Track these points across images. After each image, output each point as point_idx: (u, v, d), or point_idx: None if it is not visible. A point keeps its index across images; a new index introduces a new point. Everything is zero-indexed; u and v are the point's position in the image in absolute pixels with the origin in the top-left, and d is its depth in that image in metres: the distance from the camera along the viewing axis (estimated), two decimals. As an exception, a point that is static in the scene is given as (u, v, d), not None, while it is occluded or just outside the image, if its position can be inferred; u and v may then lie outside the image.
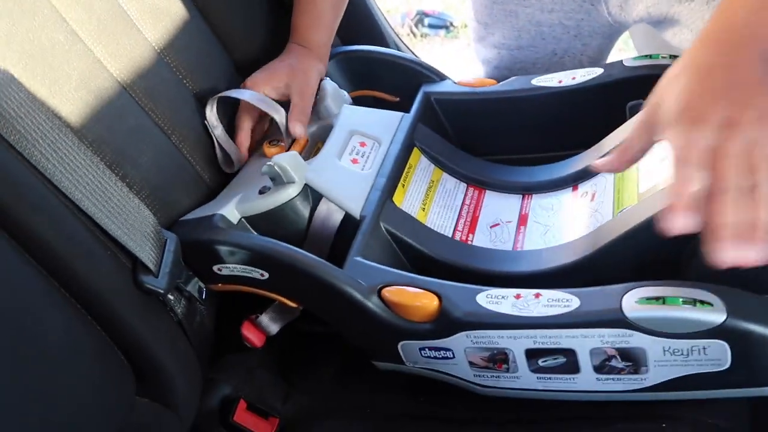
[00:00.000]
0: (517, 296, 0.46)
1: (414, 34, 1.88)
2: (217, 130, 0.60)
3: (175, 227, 0.53)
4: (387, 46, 0.80)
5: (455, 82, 0.69)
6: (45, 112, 0.43)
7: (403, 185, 0.59)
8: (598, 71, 0.65)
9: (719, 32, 0.40)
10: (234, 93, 0.60)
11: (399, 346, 0.50)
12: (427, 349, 0.49)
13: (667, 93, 0.40)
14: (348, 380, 0.57)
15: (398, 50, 0.85)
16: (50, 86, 0.47)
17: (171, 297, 0.47)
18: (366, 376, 0.54)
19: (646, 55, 0.64)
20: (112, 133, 0.51)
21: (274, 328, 0.55)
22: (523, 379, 0.47)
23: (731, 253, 0.35)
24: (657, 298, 0.42)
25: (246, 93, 0.60)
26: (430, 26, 1.89)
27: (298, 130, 0.60)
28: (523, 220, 0.59)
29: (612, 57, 0.77)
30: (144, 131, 0.54)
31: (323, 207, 0.55)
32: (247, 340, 0.54)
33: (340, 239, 0.54)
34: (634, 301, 0.42)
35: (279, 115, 0.61)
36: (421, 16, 1.89)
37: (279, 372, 0.59)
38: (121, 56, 0.54)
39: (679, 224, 0.37)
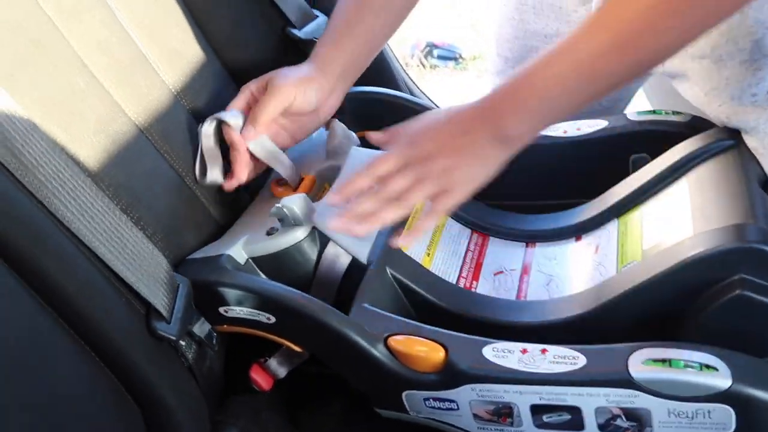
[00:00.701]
0: (524, 351, 0.47)
1: (423, 65, 1.91)
2: (210, 141, 0.58)
3: (182, 266, 0.54)
4: (397, 86, 0.81)
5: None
6: (64, 159, 0.44)
7: (408, 230, 0.60)
8: (602, 123, 0.66)
9: (477, 108, 0.51)
10: (247, 138, 0.60)
11: (403, 396, 0.50)
12: (431, 400, 0.49)
13: (424, 123, 0.54)
14: (354, 423, 0.58)
15: (408, 90, 0.86)
16: (70, 131, 0.48)
17: (182, 342, 0.47)
18: (372, 419, 0.54)
19: (650, 111, 0.66)
20: (128, 176, 0.51)
21: (282, 371, 0.55)
22: (527, 433, 0.48)
23: (360, 231, 0.51)
24: (663, 360, 0.43)
25: (252, 142, 0.59)
26: (440, 57, 1.91)
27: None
28: (526, 269, 0.60)
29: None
30: (159, 173, 0.55)
31: (330, 250, 0.56)
32: (255, 384, 0.54)
33: (346, 283, 0.55)
34: (640, 362, 0.43)
35: (284, 167, 0.61)
36: (431, 47, 1.91)
37: (285, 414, 0.59)
38: (139, 99, 0.55)
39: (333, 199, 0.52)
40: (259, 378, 0.54)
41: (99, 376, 0.42)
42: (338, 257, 0.56)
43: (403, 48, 1.92)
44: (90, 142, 0.50)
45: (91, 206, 0.44)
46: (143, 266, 0.46)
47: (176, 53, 0.60)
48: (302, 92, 0.59)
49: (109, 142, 0.51)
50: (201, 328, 0.50)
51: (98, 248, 0.43)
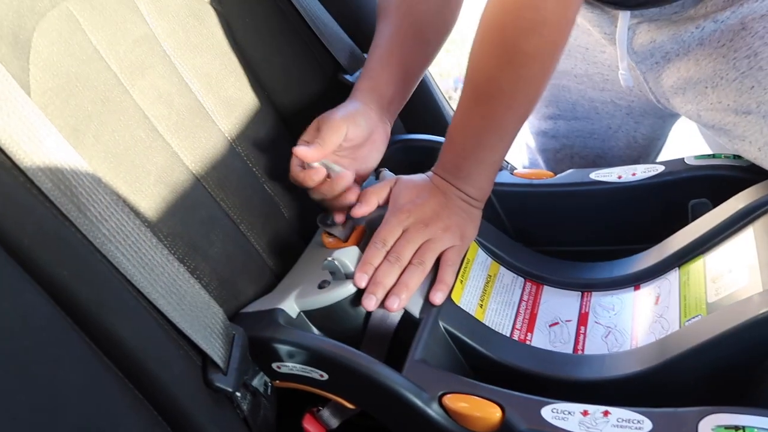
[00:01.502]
0: (585, 413, 0.45)
1: (466, 99, 1.92)
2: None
3: (236, 320, 0.54)
4: (446, 125, 0.81)
5: (512, 173, 0.70)
6: (127, 212, 0.45)
7: (461, 281, 0.59)
8: (659, 168, 0.64)
9: (449, 170, 0.59)
10: None
11: None
12: (488, 459, 0.48)
13: (407, 191, 0.59)
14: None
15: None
16: (131, 183, 0.49)
17: (238, 394, 0.47)
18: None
19: (709, 155, 0.64)
20: (185, 225, 0.52)
21: (334, 422, 0.54)
22: (588, 498, 0.46)
23: (373, 302, 0.53)
24: (736, 428, 0.40)
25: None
26: (483, 91, 1.92)
27: (437, 299, 0.56)
28: (583, 319, 0.59)
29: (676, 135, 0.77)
30: (215, 222, 0.55)
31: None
32: None
33: (398, 337, 0.54)
34: (710, 428, 0.41)
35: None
36: (474, 80, 1.92)
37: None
38: (196, 149, 0.56)
39: (362, 283, 0.53)
40: (312, 428, 0.54)
41: (156, 429, 0.43)
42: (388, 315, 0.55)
43: (446, 81, 1.93)
44: (150, 192, 0.51)
45: (151, 259, 0.45)
46: (200, 317, 0.46)
47: (232, 101, 0.61)
48: (352, 122, 0.60)
49: (167, 192, 0.52)
50: (257, 380, 0.50)
51: (157, 300, 0.44)
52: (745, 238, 0.53)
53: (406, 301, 0.53)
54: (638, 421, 0.43)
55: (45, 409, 0.36)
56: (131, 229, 0.45)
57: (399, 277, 0.54)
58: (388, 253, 0.55)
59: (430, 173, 0.62)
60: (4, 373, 0.34)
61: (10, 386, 0.34)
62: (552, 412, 0.45)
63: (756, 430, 0.40)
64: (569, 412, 0.45)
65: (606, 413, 0.44)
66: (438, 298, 0.55)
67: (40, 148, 0.41)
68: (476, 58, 0.55)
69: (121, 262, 0.43)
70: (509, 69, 0.54)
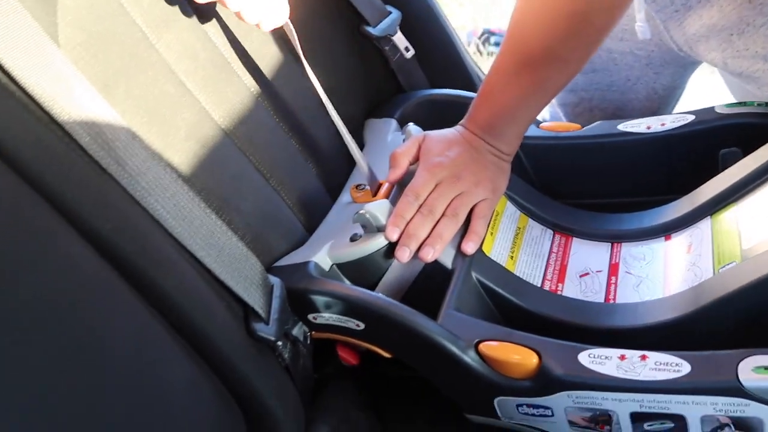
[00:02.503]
0: (622, 357, 0.45)
1: (480, 53, 1.90)
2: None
3: (271, 273, 0.54)
4: (471, 81, 0.80)
5: (538, 126, 0.69)
6: (163, 166, 0.45)
7: (491, 233, 0.59)
8: (689, 118, 0.64)
9: (481, 127, 0.59)
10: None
11: (495, 402, 0.49)
12: (524, 406, 0.48)
13: (437, 146, 0.59)
14: (442, 425, 0.58)
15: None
16: (164, 138, 0.49)
17: (279, 343, 0.48)
18: (462, 420, 0.54)
19: (740, 102, 0.63)
20: (216, 180, 0.52)
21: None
22: (626, 440, 0.47)
23: (407, 254, 0.53)
24: (777, 368, 0.41)
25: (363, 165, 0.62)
26: (497, 44, 1.91)
27: (470, 249, 0.56)
28: (613, 269, 0.59)
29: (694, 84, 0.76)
30: (246, 177, 0.55)
31: None
32: (343, 360, 0.55)
33: (430, 288, 0.54)
34: (750, 369, 0.41)
35: (363, 164, 0.62)
36: (488, 34, 1.91)
37: (373, 415, 0.59)
38: (223, 104, 0.56)
39: (394, 236, 0.53)
40: (346, 354, 0.55)
41: (205, 378, 0.43)
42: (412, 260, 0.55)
43: (460, 35, 1.91)
44: (182, 147, 0.51)
45: (189, 212, 0.45)
46: (239, 269, 0.47)
47: (256, 56, 0.60)
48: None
49: (198, 147, 0.52)
50: (297, 329, 0.51)
51: (198, 252, 0.44)
52: (780, 185, 0.52)
53: (440, 251, 0.54)
54: (676, 364, 0.43)
55: (95, 355, 0.36)
56: (168, 182, 0.45)
57: (432, 229, 0.55)
58: (420, 206, 0.55)
59: (459, 128, 0.61)
60: (56, 320, 0.35)
61: (62, 333, 0.35)
62: (589, 357, 0.46)
63: (796, 369, 0.40)
64: (606, 357, 0.45)
65: (644, 357, 0.45)
66: (470, 248, 0.55)
67: (75, 103, 0.41)
68: (532, 27, 0.54)
69: (161, 215, 0.43)
70: (573, 39, 0.53)
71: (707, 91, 0.83)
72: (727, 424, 0.43)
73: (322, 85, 0.61)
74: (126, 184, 0.42)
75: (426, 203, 0.55)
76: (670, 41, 0.66)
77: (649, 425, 0.45)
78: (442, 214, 0.55)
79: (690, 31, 0.62)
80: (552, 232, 0.63)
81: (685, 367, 0.43)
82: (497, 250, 0.58)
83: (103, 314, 0.38)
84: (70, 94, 0.41)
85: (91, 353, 0.37)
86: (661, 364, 0.44)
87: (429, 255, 0.53)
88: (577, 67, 0.56)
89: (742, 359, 0.42)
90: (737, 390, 0.41)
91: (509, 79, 0.56)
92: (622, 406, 0.45)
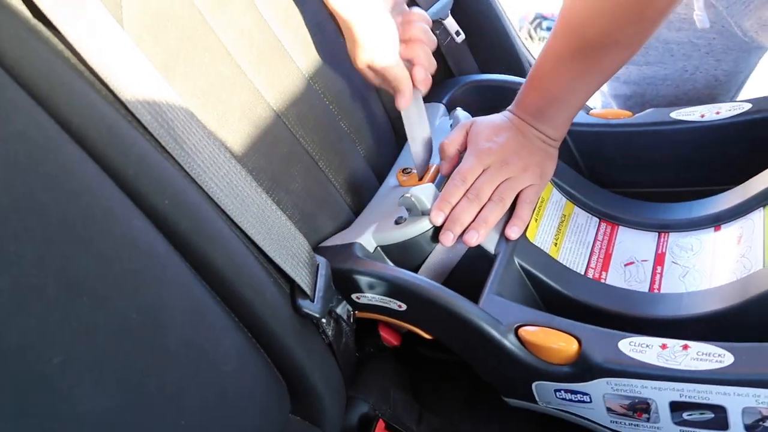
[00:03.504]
0: (663, 346, 0.45)
1: (532, 38, 1.88)
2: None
3: (316, 252, 0.56)
4: (522, 66, 0.80)
5: (587, 113, 0.69)
6: (218, 145, 0.47)
7: (536, 219, 0.59)
8: (746, 106, 0.62)
9: (530, 113, 0.59)
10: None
11: (533, 386, 0.50)
12: (563, 392, 0.49)
13: (485, 131, 0.59)
14: (479, 405, 0.59)
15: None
16: (219, 119, 0.51)
17: (324, 320, 0.50)
18: (497, 402, 0.55)
19: (801, 92, 0.61)
20: (268, 160, 0.54)
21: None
22: (665, 430, 0.47)
23: (451, 238, 0.54)
24: (823, 362, 0.40)
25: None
26: (548, 29, 1.88)
27: (514, 234, 0.56)
28: (659, 259, 0.58)
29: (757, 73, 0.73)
30: (295, 157, 0.57)
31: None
32: (385, 341, 0.56)
33: (473, 273, 0.55)
34: (796, 363, 0.41)
35: (418, 158, 0.63)
36: (540, 19, 1.89)
37: (412, 394, 0.61)
38: (276, 85, 0.57)
39: (438, 220, 0.54)
40: (388, 335, 0.56)
41: (253, 352, 0.45)
42: (456, 244, 0.56)
43: (511, 20, 1.89)
44: (235, 128, 0.52)
45: (241, 190, 0.47)
46: (287, 246, 0.48)
47: (308, 38, 0.61)
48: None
49: (251, 128, 0.54)
50: (341, 307, 0.52)
51: (249, 229, 0.46)
52: (838, 177, 0.51)
53: (485, 236, 0.54)
54: (719, 355, 0.43)
55: (153, 326, 0.39)
56: (222, 161, 0.46)
57: (477, 214, 0.55)
58: (467, 191, 0.56)
59: (507, 113, 0.61)
60: (117, 292, 0.37)
61: (122, 304, 0.37)
62: (630, 345, 0.46)
63: None
64: (647, 345, 0.45)
65: (685, 347, 0.45)
66: (514, 232, 0.55)
67: (138, 83, 0.43)
68: (589, 10, 0.53)
69: (215, 192, 0.45)
70: (633, 25, 0.52)
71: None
72: (769, 418, 0.42)
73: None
74: (183, 162, 0.44)
75: (472, 188, 0.56)
76: (734, 27, 0.64)
77: (688, 415, 0.45)
78: (488, 199, 0.56)
79: (756, 15, 0.60)
80: (598, 220, 0.63)
81: (728, 358, 0.43)
82: (541, 237, 0.58)
83: (161, 287, 0.40)
84: (133, 75, 0.43)
85: (150, 323, 0.39)
86: (703, 354, 0.44)
87: (473, 239, 0.54)
88: (633, 51, 0.55)
89: (788, 353, 0.41)
90: (781, 384, 0.40)
91: (561, 63, 0.56)
92: (662, 394, 0.45)
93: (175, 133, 0.44)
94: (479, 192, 0.55)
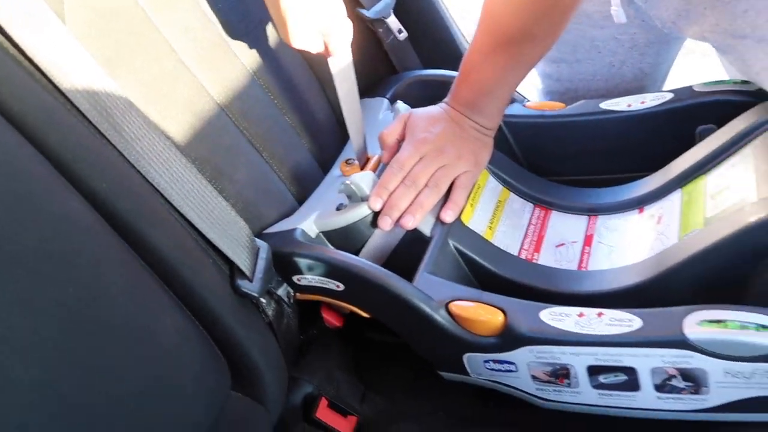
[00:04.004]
0: (580, 315, 0.48)
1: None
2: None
3: (259, 238, 0.58)
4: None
5: (524, 105, 0.72)
6: (158, 134, 0.49)
7: (472, 204, 0.62)
8: (667, 96, 0.66)
9: (463, 104, 0.63)
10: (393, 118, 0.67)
11: (464, 358, 0.53)
12: (491, 362, 0.52)
13: (422, 122, 0.62)
14: (421, 385, 0.61)
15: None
16: (161, 111, 0.53)
17: (263, 300, 0.52)
18: (437, 382, 0.58)
19: (717, 81, 0.65)
20: (211, 151, 0.56)
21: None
22: (585, 394, 0.50)
23: (389, 223, 0.57)
24: (719, 321, 0.43)
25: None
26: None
27: (448, 218, 0.59)
28: (588, 240, 0.61)
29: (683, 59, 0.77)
30: (239, 149, 0.59)
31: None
32: (327, 323, 0.59)
33: (410, 255, 0.58)
34: (695, 323, 0.44)
35: (357, 145, 0.65)
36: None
37: (356, 375, 0.63)
38: (220, 81, 0.59)
39: (377, 205, 0.57)
40: (330, 317, 0.59)
41: (192, 329, 0.47)
42: (394, 229, 0.59)
43: (466, 22, 1.92)
44: (178, 120, 0.55)
45: (181, 176, 0.49)
46: (227, 230, 0.51)
47: (253, 37, 0.64)
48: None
49: (195, 120, 0.56)
50: (281, 289, 0.54)
51: (188, 213, 0.48)
52: (744, 157, 0.55)
53: (420, 220, 0.57)
54: (629, 320, 0.46)
55: (89, 300, 0.40)
56: (162, 149, 0.49)
57: (414, 200, 0.58)
58: (404, 178, 0.58)
59: (443, 104, 0.64)
60: (56, 270, 0.39)
61: (60, 280, 0.39)
62: (550, 315, 0.49)
63: (737, 322, 0.43)
64: (566, 314, 0.49)
65: (600, 314, 0.48)
66: (449, 216, 0.58)
67: (77, 73, 0.45)
68: (504, 6, 0.57)
69: (154, 177, 0.47)
70: (546, 19, 0.56)
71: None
72: (674, 376, 0.45)
73: (316, 66, 0.65)
74: (122, 148, 0.46)
75: (409, 175, 0.59)
76: (653, 18, 0.68)
77: (604, 378, 0.48)
78: (425, 186, 0.59)
79: (671, 6, 0.64)
80: (532, 206, 0.66)
81: (637, 323, 0.46)
82: (476, 221, 0.61)
83: (98, 264, 0.42)
84: (73, 66, 0.45)
85: (87, 297, 0.41)
86: (615, 320, 0.47)
87: (409, 223, 0.57)
88: (550, 42, 0.59)
89: (688, 314, 0.45)
90: (682, 343, 0.44)
91: (486, 57, 0.59)
92: (579, 359, 0.48)
93: (113, 121, 0.46)
94: (416, 178, 0.58)
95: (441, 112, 0.63)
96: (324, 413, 0.58)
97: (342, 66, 0.62)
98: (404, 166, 0.59)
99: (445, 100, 0.64)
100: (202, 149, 0.56)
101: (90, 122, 0.45)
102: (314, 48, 0.59)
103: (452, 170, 0.60)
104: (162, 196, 0.47)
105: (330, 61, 0.61)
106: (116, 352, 0.41)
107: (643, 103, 0.67)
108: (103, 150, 0.45)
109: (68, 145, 0.43)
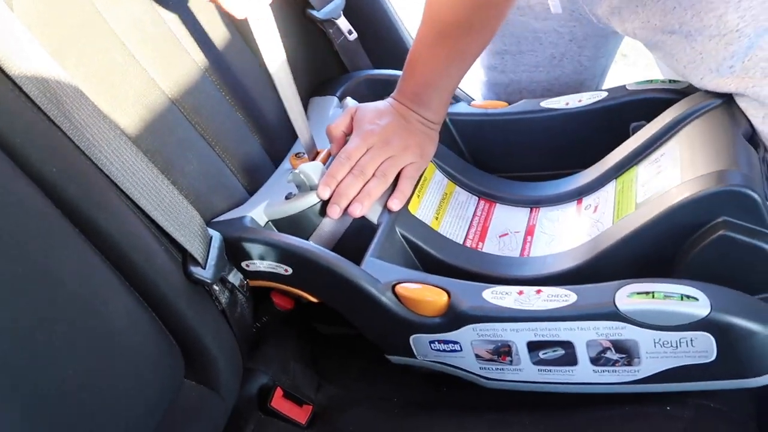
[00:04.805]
0: (520, 293, 0.51)
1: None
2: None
3: (210, 226, 0.59)
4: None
5: (469, 104, 0.75)
6: (108, 122, 0.50)
7: (418, 195, 0.64)
8: (602, 94, 0.70)
9: (408, 97, 0.65)
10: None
11: (411, 340, 0.54)
12: (436, 342, 0.53)
13: (369, 115, 0.65)
14: (374, 373, 0.62)
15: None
16: (111, 102, 0.54)
17: (216, 287, 0.53)
18: (391, 370, 0.59)
19: (648, 80, 0.69)
20: (163, 144, 0.57)
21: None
22: (526, 371, 0.52)
23: (337, 211, 0.59)
24: (647, 293, 0.46)
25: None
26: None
27: (395, 206, 0.61)
28: (530, 230, 0.64)
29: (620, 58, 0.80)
30: (191, 142, 0.60)
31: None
32: (278, 306, 0.60)
33: (358, 242, 0.59)
34: (626, 295, 0.47)
35: (305, 139, 0.68)
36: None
37: (311, 365, 0.64)
38: (171, 75, 0.60)
39: (325, 194, 0.59)
40: (280, 300, 0.60)
41: (144, 315, 0.48)
42: (342, 216, 0.60)
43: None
44: (128, 112, 0.55)
45: (132, 164, 0.50)
46: (179, 218, 0.51)
47: (204, 33, 0.65)
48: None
49: (145, 113, 0.57)
50: (233, 276, 0.55)
51: (139, 200, 0.49)
52: (671, 146, 0.59)
53: (368, 208, 0.59)
54: (565, 295, 0.49)
55: (38, 279, 0.41)
56: (113, 137, 0.49)
57: (361, 189, 0.60)
58: (352, 168, 0.60)
59: (390, 99, 0.67)
60: (5, 248, 0.39)
61: (9, 258, 0.39)
62: (492, 293, 0.51)
63: (662, 293, 0.46)
64: (506, 293, 0.51)
65: (538, 291, 0.50)
66: (395, 204, 0.60)
67: (26, 60, 0.45)
68: (445, 1, 0.59)
69: (105, 164, 0.48)
70: (483, 11, 0.59)
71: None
72: (608, 348, 0.48)
73: (269, 64, 0.66)
74: (72, 134, 0.46)
75: (357, 165, 0.61)
76: (589, 14, 0.71)
77: (543, 353, 0.50)
78: (372, 176, 0.61)
79: (607, 2, 0.67)
80: (477, 198, 0.69)
81: (572, 297, 0.49)
82: (423, 211, 0.63)
83: (48, 249, 0.43)
84: (21, 53, 0.46)
85: (37, 283, 0.41)
86: (552, 296, 0.49)
87: (357, 211, 0.58)
88: (488, 35, 0.62)
89: (620, 288, 0.48)
90: (614, 314, 0.46)
91: (429, 50, 0.62)
92: (519, 336, 0.50)
93: (63, 107, 0.46)
94: (363, 168, 0.60)
95: (387, 106, 0.66)
96: (279, 402, 0.59)
97: (277, 62, 0.64)
98: (351, 157, 0.61)
99: (392, 94, 0.67)
100: (154, 141, 0.56)
101: (39, 108, 0.45)
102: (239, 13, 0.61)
103: (399, 161, 0.62)
104: (113, 182, 0.48)
105: (264, 55, 0.63)
106: (66, 328, 0.42)
107: (580, 101, 0.70)
108: (53, 135, 0.45)
109: (16, 130, 0.43)
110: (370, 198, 0.59)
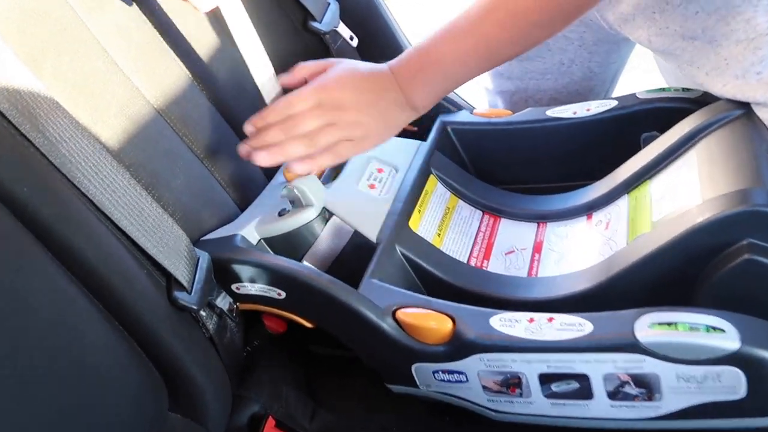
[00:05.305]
0: (531, 320, 0.47)
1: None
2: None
3: (198, 246, 0.55)
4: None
5: (471, 113, 0.72)
6: (87, 137, 0.46)
7: (419, 211, 0.61)
8: (612, 103, 0.67)
9: (387, 74, 0.58)
10: None
11: (413, 369, 0.51)
12: (440, 372, 0.50)
13: (344, 73, 0.58)
14: (373, 399, 0.59)
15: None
16: (92, 113, 0.50)
17: (203, 313, 0.49)
18: (390, 396, 0.55)
19: (660, 88, 0.66)
20: (148, 156, 0.53)
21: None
22: (537, 404, 0.48)
23: (245, 150, 0.56)
24: (669, 324, 0.43)
25: None
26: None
27: (298, 169, 0.57)
28: (537, 247, 0.61)
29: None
30: (177, 155, 0.56)
31: (331, 225, 0.57)
32: (270, 329, 0.56)
33: (356, 262, 0.56)
34: (646, 326, 0.43)
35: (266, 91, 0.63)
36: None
37: (305, 390, 0.60)
38: (157, 84, 0.57)
39: (247, 129, 0.56)
40: (272, 323, 0.56)
41: (124, 345, 0.44)
42: (340, 232, 0.57)
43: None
44: (111, 123, 0.52)
45: (112, 181, 0.46)
46: (163, 239, 0.48)
47: (192, 41, 0.62)
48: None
49: (129, 124, 0.53)
50: (222, 299, 0.52)
51: (120, 221, 0.45)
52: (688, 160, 0.55)
53: (272, 163, 0.55)
54: (580, 324, 0.45)
55: (11, 313, 0.37)
56: (91, 151, 0.46)
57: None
58: (287, 118, 0.56)
59: (384, 67, 0.59)
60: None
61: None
62: (500, 321, 0.48)
63: (687, 324, 0.42)
64: (516, 320, 0.47)
65: (550, 319, 0.47)
66: (299, 168, 0.56)
67: (-4, 71, 0.42)
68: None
69: (81, 181, 0.44)
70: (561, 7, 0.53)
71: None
72: (627, 382, 0.45)
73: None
74: (46, 151, 0.43)
75: (291, 117, 0.55)
76: (600, 20, 0.68)
77: (556, 386, 0.47)
78: (302, 136, 0.55)
79: (618, 9, 0.64)
80: (481, 213, 0.65)
81: (588, 327, 0.45)
82: (424, 227, 0.60)
83: (18, 273, 0.39)
84: (-9, 62, 0.42)
85: (6, 304, 0.37)
86: (565, 324, 0.46)
87: (259, 158, 0.54)
88: (549, 33, 0.57)
89: (639, 317, 0.44)
90: (634, 346, 0.43)
91: (477, 29, 0.55)
92: (531, 367, 0.46)
93: (36, 121, 0.43)
94: (296, 124, 0.55)
95: (370, 74, 0.58)
96: (271, 434, 0.55)
97: (251, 48, 0.61)
98: (292, 105, 0.56)
99: (389, 64, 0.59)
100: (138, 155, 0.53)
101: (9, 121, 0.41)
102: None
103: (337, 132, 0.56)
104: (91, 202, 0.44)
105: (239, 44, 0.60)
106: (41, 357, 0.38)
107: (588, 110, 0.67)
108: (23, 151, 0.42)
109: (-17, 146, 0.39)
110: (282, 155, 0.55)
